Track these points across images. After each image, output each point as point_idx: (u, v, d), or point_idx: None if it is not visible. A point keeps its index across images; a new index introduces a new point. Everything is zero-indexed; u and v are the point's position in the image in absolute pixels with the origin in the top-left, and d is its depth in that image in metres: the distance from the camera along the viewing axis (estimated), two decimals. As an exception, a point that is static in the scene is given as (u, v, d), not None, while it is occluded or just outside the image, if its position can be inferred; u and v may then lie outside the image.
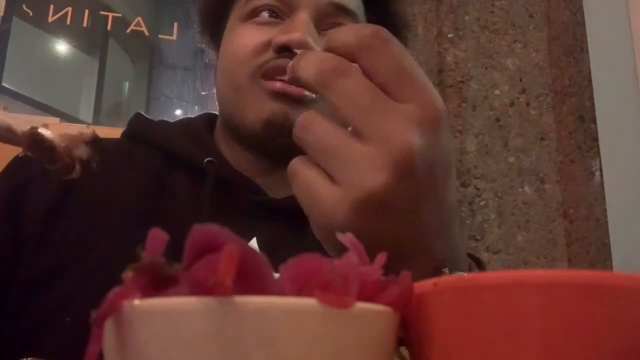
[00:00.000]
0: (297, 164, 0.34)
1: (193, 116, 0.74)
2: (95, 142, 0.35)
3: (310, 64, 0.32)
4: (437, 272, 0.35)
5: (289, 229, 0.60)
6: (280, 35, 0.58)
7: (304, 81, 0.33)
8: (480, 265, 0.48)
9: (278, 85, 0.57)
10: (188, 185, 0.62)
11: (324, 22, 0.61)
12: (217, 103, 0.69)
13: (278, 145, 0.58)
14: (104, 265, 0.54)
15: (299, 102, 0.58)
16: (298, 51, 0.54)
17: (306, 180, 0.33)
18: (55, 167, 0.34)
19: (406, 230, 0.32)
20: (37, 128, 0.33)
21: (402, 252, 0.32)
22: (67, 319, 0.51)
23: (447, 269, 0.35)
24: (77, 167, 0.34)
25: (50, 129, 0.34)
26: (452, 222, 0.36)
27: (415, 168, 0.31)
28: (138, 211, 0.58)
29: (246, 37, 0.61)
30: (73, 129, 0.35)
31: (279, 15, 0.62)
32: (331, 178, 0.32)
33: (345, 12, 0.62)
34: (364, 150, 0.31)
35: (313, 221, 0.33)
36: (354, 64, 0.32)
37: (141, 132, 0.67)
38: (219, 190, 0.60)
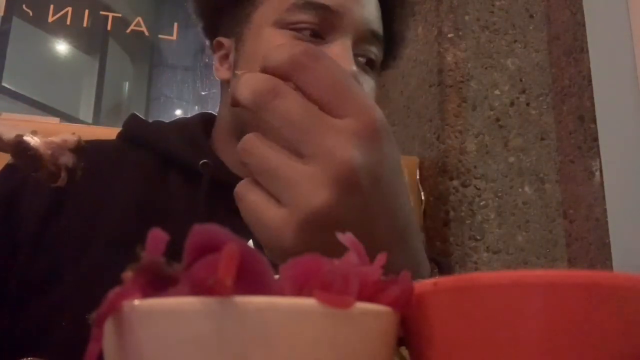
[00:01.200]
0: (242, 188, 0.34)
1: (188, 116, 0.73)
2: (79, 150, 0.35)
3: (246, 86, 0.33)
4: None
5: None
6: None
7: (241, 104, 0.33)
8: (442, 267, 0.48)
9: None
10: (184, 187, 0.61)
11: (358, 49, 0.60)
12: (222, 102, 0.68)
13: None
14: (100, 268, 0.53)
15: None
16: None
17: (252, 203, 0.33)
18: (41, 175, 0.34)
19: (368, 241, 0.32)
20: (22, 135, 0.33)
21: None
22: (64, 323, 0.51)
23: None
24: (63, 174, 0.34)
25: (38, 136, 0.34)
26: (408, 231, 0.36)
27: (359, 182, 0.31)
28: (134, 214, 0.58)
29: None
30: (61, 135, 0.35)
31: (319, 35, 0.59)
32: (276, 200, 0.32)
33: (378, 39, 0.62)
34: (305, 169, 0.31)
35: (263, 244, 0.33)
36: (288, 83, 0.32)
37: (136, 133, 0.66)
38: (214, 192, 0.59)
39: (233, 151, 0.61)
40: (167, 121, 0.71)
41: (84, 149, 0.36)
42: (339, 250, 0.30)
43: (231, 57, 0.65)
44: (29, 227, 0.55)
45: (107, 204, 0.58)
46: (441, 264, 0.50)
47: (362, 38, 0.60)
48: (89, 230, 0.56)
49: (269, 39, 0.59)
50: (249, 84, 0.33)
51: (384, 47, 0.65)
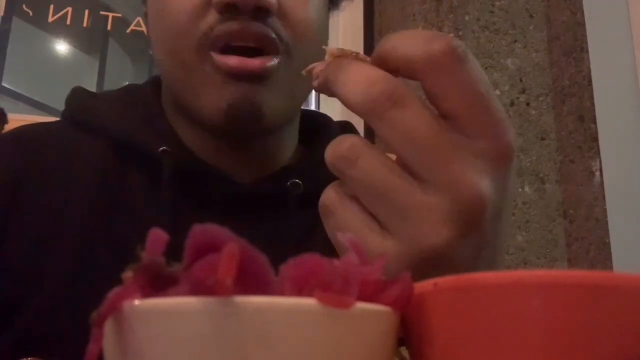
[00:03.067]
0: (332, 200, 0.28)
1: (139, 84, 0.62)
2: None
3: (355, 85, 0.27)
4: None
5: (262, 216, 0.53)
6: None
7: (347, 104, 0.27)
8: None
9: (233, 61, 0.46)
10: (143, 182, 0.53)
11: None
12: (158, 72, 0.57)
13: (245, 133, 0.51)
14: (67, 282, 0.48)
15: (261, 78, 0.47)
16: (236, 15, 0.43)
17: (347, 224, 0.27)
18: None
19: None
20: None
21: None
22: (34, 344, 0.46)
23: None
24: None
25: None
26: (500, 265, 0.31)
27: (484, 220, 0.26)
28: (91, 218, 0.51)
29: None
30: None
31: None
32: (380, 224, 0.27)
33: None
34: (426, 200, 0.26)
35: None
36: (410, 88, 0.27)
37: (81, 114, 0.56)
38: (179, 183, 0.52)
39: (198, 133, 0.53)
40: (115, 90, 0.60)
41: (3, 117, 0.34)
42: None
43: None
44: None
45: (59, 209, 0.51)
46: None
47: None
48: (42, 253, 0.49)
49: None
50: (358, 80, 0.27)
51: None
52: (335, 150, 0.27)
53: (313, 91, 0.66)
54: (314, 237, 0.48)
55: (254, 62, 0.47)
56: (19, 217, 0.50)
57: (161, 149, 0.51)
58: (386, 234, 0.26)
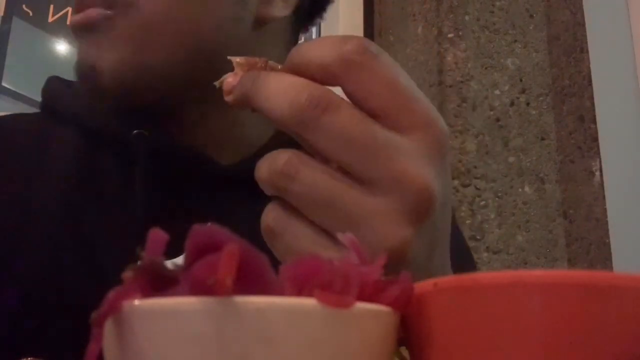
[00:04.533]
0: (276, 220, 0.26)
1: None
2: None
3: (279, 97, 0.25)
4: None
5: (245, 200, 0.47)
6: None
7: (273, 118, 0.26)
8: None
9: (76, 19, 0.46)
10: (117, 169, 0.51)
11: None
12: None
13: (102, 92, 0.48)
14: (34, 275, 0.47)
15: (87, 31, 0.46)
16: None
17: (297, 243, 0.26)
18: None
19: (427, 272, 0.27)
20: None
21: None
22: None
23: None
24: None
25: None
26: (448, 257, 0.31)
27: (434, 210, 0.26)
28: (60, 210, 0.49)
29: None
30: None
31: None
32: (331, 238, 0.25)
33: None
34: (374, 202, 0.25)
35: None
36: (333, 90, 0.26)
37: (55, 104, 0.54)
38: (155, 167, 0.48)
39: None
40: None
41: None
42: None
43: None
44: None
45: (29, 200, 0.49)
46: None
47: None
48: (18, 233, 0.48)
49: None
50: (281, 89, 0.25)
51: None
52: (271, 167, 0.26)
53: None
54: None
55: (76, 16, 0.45)
56: None
57: (135, 132, 0.48)
58: (340, 247, 0.24)
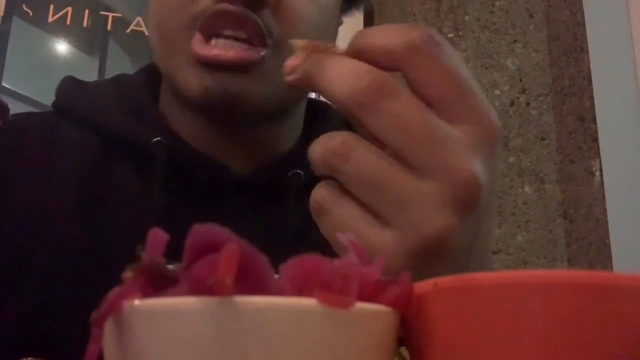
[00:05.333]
0: (324, 199, 0.28)
1: (131, 73, 0.60)
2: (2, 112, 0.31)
3: (341, 79, 0.26)
4: None
5: (258, 207, 0.52)
6: None
7: (333, 99, 0.27)
8: None
9: (212, 54, 0.45)
10: (133, 175, 0.52)
11: None
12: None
13: (227, 116, 0.50)
14: (47, 278, 0.47)
15: (241, 69, 0.46)
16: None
17: (344, 220, 0.27)
18: None
19: (466, 267, 0.28)
20: None
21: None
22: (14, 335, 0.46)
23: None
24: None
25: None
26: (488, 259, 0.31)
27: (479, 204, 0.26)
28: (73, 211, 0.49)
29: None
30: None
31: None
32: (378, 218, 0.26)
33: None
34: (423, 187, 0.26)
35: None
36: (395, 79, 0.27)
37: (70, 105, 0.55)
38: (172, 174, 0.50)
39: (190, 120, 0.52)
40: (105, 80, 0.59)
41: (5, 110, 0.32)
42: (453, 272, 0.25)
43: None
44: None
45: (42, 201, 0.49)
46: None
47: None
48: (30, 234, 0.48)
49: None
50: (343, 72, 0.26)
51: None
52: (326, 146, 0.27)
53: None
54: (314, 228, 0.48)
55: (231, 53, 0.46)
56: (3, 209, 0.49)
57: (155, 140, 0.49)
58: (385, 226, 0.26)
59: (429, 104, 0.27)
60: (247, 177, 0.52)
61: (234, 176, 0.52)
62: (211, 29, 0.46)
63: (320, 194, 0.28)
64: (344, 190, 0.27)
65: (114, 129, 0.52)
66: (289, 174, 0.52)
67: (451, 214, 0.26)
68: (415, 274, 0.23)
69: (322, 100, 0.61)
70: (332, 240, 0.27)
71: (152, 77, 0.57)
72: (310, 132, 0.58)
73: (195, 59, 0.46)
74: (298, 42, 0.30)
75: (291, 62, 0.29)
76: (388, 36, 0.27)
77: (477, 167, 0.26)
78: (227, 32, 0.46)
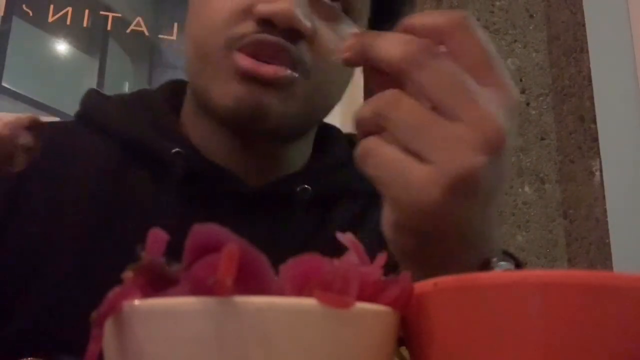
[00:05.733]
0: (373, 142, 0.32)
1: (154, 87, 0.63)
2: (36, 127, 0.32)
3: (394, 45, 0.32)
4: (487, 262, 0.35)
5: (269, 218, 0.54)
6: (262, 3, 0.48)
7: (388, 61, 0.32)
8: (519, 263, 0.44)
9: (247, 63, 0.48)
10: (151, 183, 0.54)
11: None
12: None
13: (253, 130, 0.52)
14: (67, 283, 0.48)
15: (273, 85, 0.49)
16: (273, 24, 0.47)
17: (389, 158, 0.31)
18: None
19: (486, 213, 0.34)
20: None
21: (476, 235, 0.34)
22: (37, 336, 0.47)
23: (496, 259, 0.35)
24: (22, 156, 0.32)
25: None
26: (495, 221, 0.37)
27: (504, 149, 0.31)
28: (93, 218, 0.51)
29: (220, 1, 0.51)
30: (14, 116, 0.33)
31: None
32: (419, 157, 0.31)
33: None
34: (459, 130, 0.30)
35: (399, 200, 0.32)
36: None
37: (93, 114, 0.58)
38: (188, 185, 0.53)
39: (212, 133, 0.55)
40: (129, 94, 0.62)
41: (41, 126, 0.34)
42: (473, 215, 0.33)
43: None
44: None
45: (64, 206, 0.52)
46: (519, 261, 0.46)
47: None
48: (45, 238, 0.50)
49: None
50: (399, 41, 0.32)
51: None
52: (379, 99, 0.32)
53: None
54: (318, 240, 0.49)
55: (267, 69, 0.49)
56: (21, 212, 0.51)
57: (174, 150, 0.52)
58: (425, 163, 0.30)
59: (466, 70, 0.32)
60: (259, 190, 0.55)
61: (247, 189, 0.54)
62: (249, 53, 0.49)
63: (367, 142, 0.32)
64: (387, 139, 0.32)
65: (135, 138, 0.55)
66: (298, 189, 0.55)
67: (482, 154, 0.30)
68: (451, 206, 0.30)
69: (330, 124, 0.66)
70: (375, 179, 0.32)
71: (173, 92, 0.60)
72: (320, 153, 0.61)
73: (234, 71, 0.49)
74: (351, 30, 0.35)
75: (347, 43, 0.34)
76: (434, 17, 0.33)
77: (504, 121, 0.31)
78: (263, 58, 0.49)
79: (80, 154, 0.55)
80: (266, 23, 0.48)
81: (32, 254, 0.50)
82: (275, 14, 0.48)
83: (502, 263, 0.35)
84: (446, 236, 0.33)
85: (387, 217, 0.34)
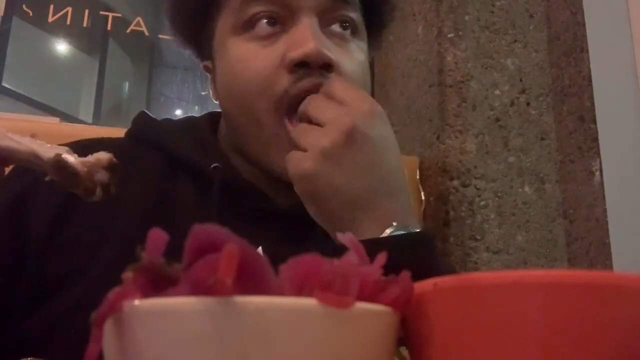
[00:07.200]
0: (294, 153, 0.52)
1: (197, 115, 0.72)
2: (113, 167, 0.37)
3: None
4: (386, 225, 0.47)
5: (295, 237, 0.58)
6: (291, 51, 0.54)
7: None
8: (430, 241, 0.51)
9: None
10: (193, 192, 0.60)
11: (326, 18, 0.58)
12: (223, 114, 0.65)
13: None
14: (110, 275, 0.51)
15: None
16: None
17: (295, 155, 0.51)
18: (78, 191, 0.36)
19: (358, 184, 0.48)
20: (61, 154, 0.35)
21: (356, 203, 0.48)
22: (72, 330, 0.49)
23: (395, 223, 0.47)
24: (98, 190, 0.36)
25: (74, 155, 0.36)
26: (398, 189, 0.51)
27: (356, 139, 0.49)
28: (142, 220, 0.56)
29: (254, 61, 0.56)
30: (94, 156, 0.37)
31: (277, 21, 0.57)
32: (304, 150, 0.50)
33: (345, 2, 0.59)
34: (320, 128, 0.50)
35: (291, 175, 0.50)
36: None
37: (145, 132, 0.65)
38: (224, 196, 0.59)
39: (238, 158, 0.62)
40: (176, 119, 0.70)
41: (118, 167, 0.37)
42: (341, 182, 0.49)
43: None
44: (39, 231, 0.54)
45: (117, 208, 0.57)
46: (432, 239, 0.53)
47: (326, 9, 0.57)
48: (99, 235, 0.55)
49: (231, 51, 0.59)
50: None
51: (363, 7, 0.62)
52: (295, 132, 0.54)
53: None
54: (336, 255, 0.57)
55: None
56: (74, 218, 0.55)
57: (214, 165, 0.59)
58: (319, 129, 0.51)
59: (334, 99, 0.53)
60: (286, 209, 0.61)
61: (275, 207, 0.61)
62: (294, 108, 0.55)
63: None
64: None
65: (182, 154, 0.62)
66: None
67: (333, 136, 0.49)
68: (320, 173, 0.49)
69: None
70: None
71: (214, 119, 0.69)
72: None
73: (289, 141, 0.54)
74: None
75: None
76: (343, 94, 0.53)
77: (352, 121, 0.50)
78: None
79: (131, 167, 0.59)
80: (298, 66, 0.54)
81: (81, 251, 0.54)
82: (308, 56, 0.54)
83: (407, 228, 0.47)
84: (326, 196, 0.49)
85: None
